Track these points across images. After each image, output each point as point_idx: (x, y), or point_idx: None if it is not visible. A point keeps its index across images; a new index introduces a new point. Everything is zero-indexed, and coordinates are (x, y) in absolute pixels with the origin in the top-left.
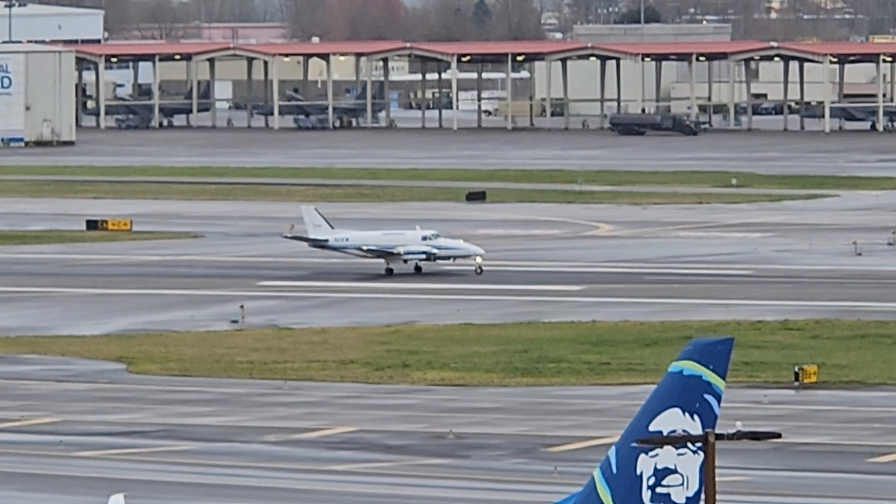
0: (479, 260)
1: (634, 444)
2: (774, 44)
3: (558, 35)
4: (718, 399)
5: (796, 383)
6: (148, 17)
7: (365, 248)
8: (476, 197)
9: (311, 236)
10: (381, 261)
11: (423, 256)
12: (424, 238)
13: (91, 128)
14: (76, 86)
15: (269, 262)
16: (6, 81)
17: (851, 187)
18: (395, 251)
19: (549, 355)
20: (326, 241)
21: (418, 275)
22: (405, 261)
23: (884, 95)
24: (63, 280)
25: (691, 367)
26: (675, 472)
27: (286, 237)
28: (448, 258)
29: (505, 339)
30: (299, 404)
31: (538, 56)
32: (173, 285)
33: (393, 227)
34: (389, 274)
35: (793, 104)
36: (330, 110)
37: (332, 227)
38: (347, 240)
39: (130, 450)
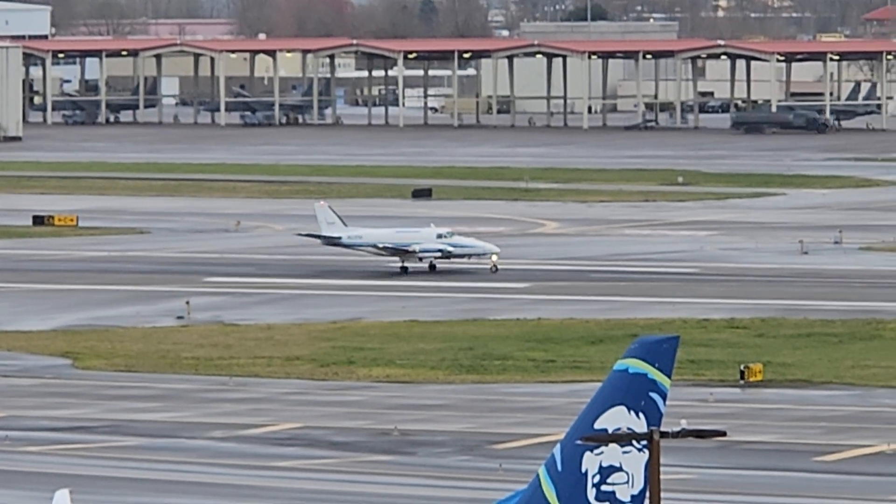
0: (494, 258)
1: (579, 442)
2: (721, 42)
3: (505, 32)
4: (664, 397)
5: (742, 381)
6: (95, 13)
7: (381, 245)
8: (422, 194)
9: (324, 234)
10: (396, 259)
11: (439, 254)
12: (439, 236)
13: (38, 123)
14: (23, 81)
15: (215, 259)
16: None
17: (798, 186)
18: (410, 249)
19: (494, 352)
20: (339, 238)
21: (431, 273)
22: (420, 259)
23: (831, 94)
24: (9, 275)
25: (637, 365)
26: (620, 469)
27: (300, 235)
28: (463, 256)
29: (450, 337)
30: (245, 400)
31: (485, 53)
32: (119, 281)
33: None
34: (404, 272)
35: (740, 102)
36: (276, 107)
37: (345, 225)
38: (361, 237)
39: (76, 445)
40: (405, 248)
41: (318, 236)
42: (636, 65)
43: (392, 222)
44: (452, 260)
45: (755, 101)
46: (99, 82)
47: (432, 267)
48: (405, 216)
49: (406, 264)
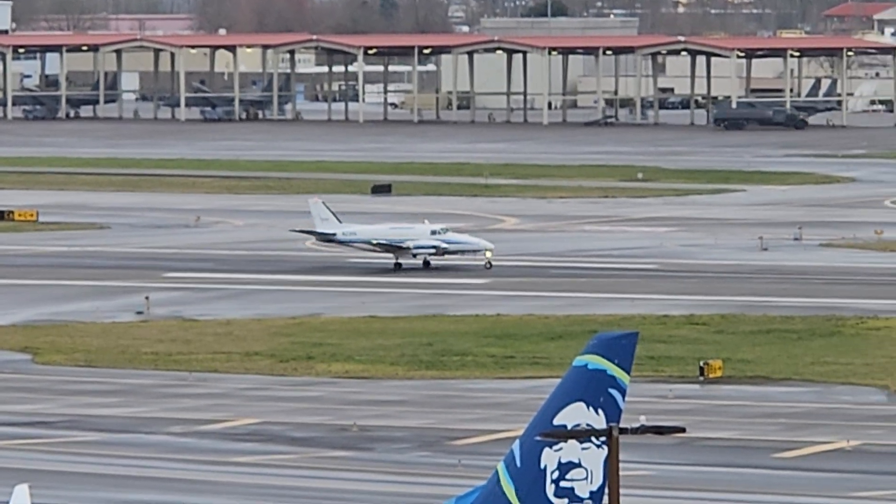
0: (488, 254)
1: (538, 438)
2: (682, 38)
3: (465, 28)
4: (623, 393)
5: (701, 378)
6: (56, 9)
7: (375, 242)
8: (381, 190)
9: (319, 230)
10: (390, 255)
11: (433, 251)
12: (434, 232)
13: None
14: None
15: (174, 254)
16: None
17: (757, 182)
18: (404, 245)
19: (453, 348)
20: (334, 235)
21: (425, 269)
22: (414, 255)
23: (791, 90)
24: None
25: (596, 362)
26: (578, 466)
27: (294, 231)
28: (457, 252)
29: (409, 332)
30: (204, 396)
31: (445, 49)
32: (79, 276)
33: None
34: (398, 268)
35: (700, 98)
36: (236, 102)
37: (339, 221)
38: (355, 234)
39: (35, 440)
40: (399, 244)
41: (313, 233)
42: (596, 61)
43: (352, 218)
44: (446, 256)
45: (715, 98)
46: (59, 77)
47: (426, 263)
48: (365, 212)
49: (400, 261)
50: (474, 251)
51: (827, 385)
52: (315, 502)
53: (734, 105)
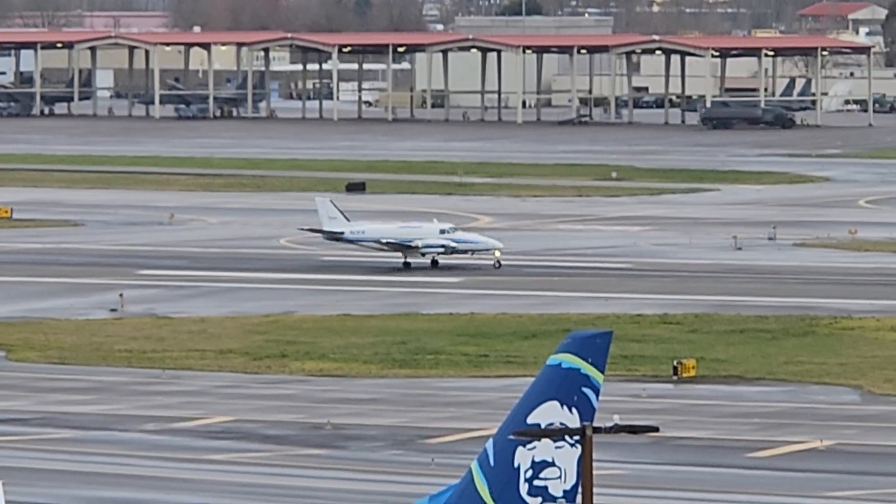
0: (497, 254)
1: (512, 437)
2: (656, 37)
3: (440, 26)
4: (597, 392)
5: (675, 377)
6: (30, 5)
7: (384, 241)
8: (356, 188)
9: (326, 228)
10: (399, 254)
11: (442, 250)
12: (442, 231)
13: None
14: None
15: (148, 251)
16: None
17: (732, 181)
18: (413, 244)
19: (427, 347)
20: (342, 233)
21: (434, 268)
22: (423, 254)
23: (765, 89)
24: None
25: (570, 360)
26: (552, 464)
27: (302, 229)
28: (466, 252)
29: (383, 331)
30: (178, 393)
31: (419, 47)
32: (53, 273)
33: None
34: (406, 267)
35: (674, 98)
36: (210, 100)
37: (347, 220)
38: (363, 232)
39: (9, 437)
40: (408, 243)
41: (320, 231)
42: (571, 59)
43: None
44: (455, 255)
45: (689, 97)
46: (34, 74)
47: (434, 262)
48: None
49: (409, 260)
50: (484, 250)
51: (801, 385)
52: (288, 500)
53: (709, 104)
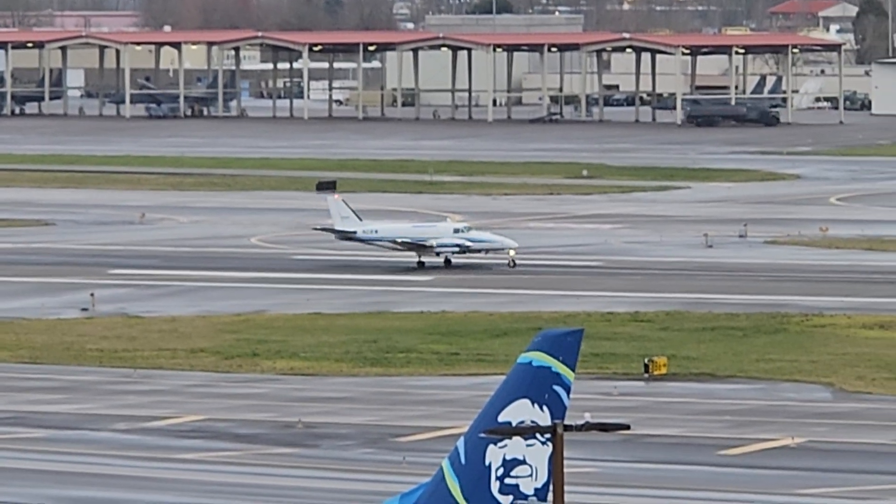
0: (512, 253)
1: (483, 435)
2: (627, 35)
3: (410, 25)
4: (568, 390)
5: (646, 375)
6: (0, 5)
7: (400, 240)
8: (326, 186)
9: (339, 228)
10: (413, 253)
11: (457, 249)
12: (456, 230)
13: None
14: None
15: (119, 251)
16: None
17: (702, 179)
18: (428, 244)
19: (398, 345)
20: (354, 233)
21: (447, 267)
22: (437, 253)
23: (736, 87)
24: None
25: (540, 358)
26: (523, 462)
27: (315, 229)
28: (480, 251)
29: (354, 329)
30: (149, 392)
31: (390, 46)
32: (24, 273)
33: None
34: (421, 267)
35: (645, 95)
36: (181, 99)
37: (360, 219)
38: (376, 232)
39: None
40: (423, 242)
41: (332, 230)
42: (541, 58)
43: (296, 215)
44: (468, 255)
45: (660, 95)
46: (4, 74)
47: (447, 262)
48: (309, 208)
49: (423, 259)
50: (498, 250)
51: (772, 382)
52: (260, 499)
53: (679, 102)
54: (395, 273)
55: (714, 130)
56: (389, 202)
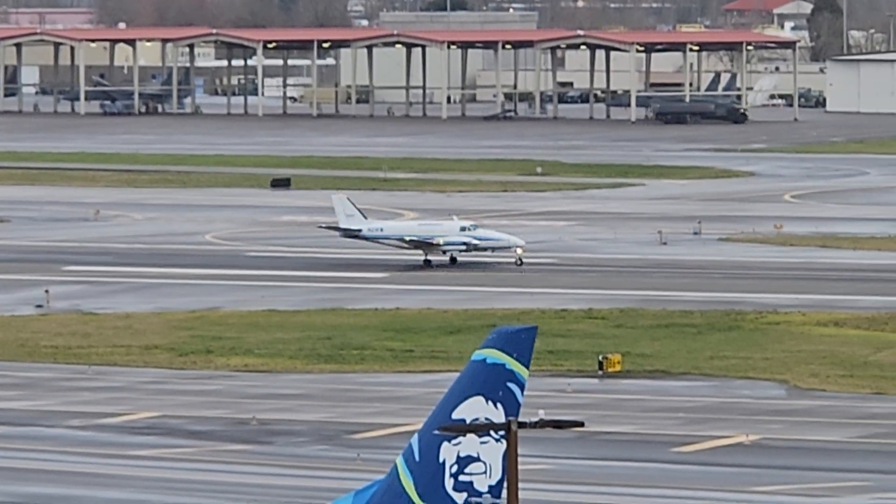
0: (519, 251)
1: (437, 432)
2: (581, 32)
3: (364, 22)
4: (522, 387)
5: (600, 372)
6: None
7: (408, 238)
8: (281, 183)
9: (343, 226)
10: (419, 252)
11: (464, 247)
12: (463, 228)
13: None
14: None
15: (74, 248)
16: None
17: (657, 176)
18: (434, 242)
19: (352, 342)
20: (359, 231)
21: (452, 265)
22: (444, 251)
23: (690, 84)
24: None
25: (495, 356)
26: (477, 459)
27: (321, 227)
28: (487, 249)
29: (308, 326)
30: (103, 389)
31: (344, 43)
32: None
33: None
34: (427, 265)
35: (599, 93)
36: (136, 96)
37: (364, 217)
38: (381, 230)
39: None
40: (430, 240)
41: (337, 228)
42: (495, 55)
43: (250, 212)
44: (475, 253)
45: (614, 92)
46: None
47: (453, 260)
48: (263, 205)
49: (429, 257)
50: (505, 248)
51: (726, 379)
52: (214, 496)
53: (633, 99)
54: (350, 270)
55: (668, 127)
56: None
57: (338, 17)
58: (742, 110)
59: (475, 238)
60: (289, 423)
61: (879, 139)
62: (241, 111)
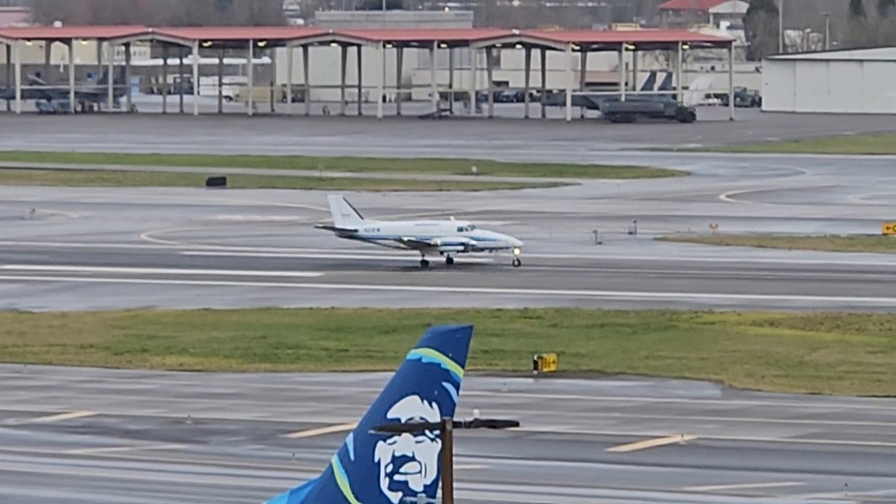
0: (516, 251)
1: (372, 432)
2: (516, 31)
3: (300, 21)
4: (457, 387)
5: (535, 372)
6: None
7: (406, 239)
8: (216, 182)
9: (339, 226)
10: (416, 252)
11: (462, 248)
12: (460, 229)
13: None
14: None
15: (9, 246)
16: None
17: (592, 176)
18: (432, 243)
19: (287, 341)
20: (356, 231)
21: (448, 266)
22: (442, 252)
23: (626, 84)
24: None
25: (430, 355)
26: (412, 459)
27: (317, 227)
28: (485, 249)
29: (244, 325)
30: (38, 388)
31: (279, 42)
32: None
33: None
34: (424, 266)
35: (534, 92)
36: (72, 95)
37: (361, 217)
38: (378, 230)
39: None
40: (427, 241)
41: (333, 228)
42: (431, 54)
43: (186, 211)
44: (472, 253)
45: (550, 91)
46: None
47: (449, 260)
48: (199, 204)
49: (427, 258)
50: (502, 248)
51: (661, 379)
52: (150, 495)
53: (568, 97)
54: (285, 269)
55: (604, 127)
56: (279, 198)
57: (273, 16)
58: (691, 110)
59: (473, 238)
60: (224, 423)
61: (815, 139)
62: (176, 110)
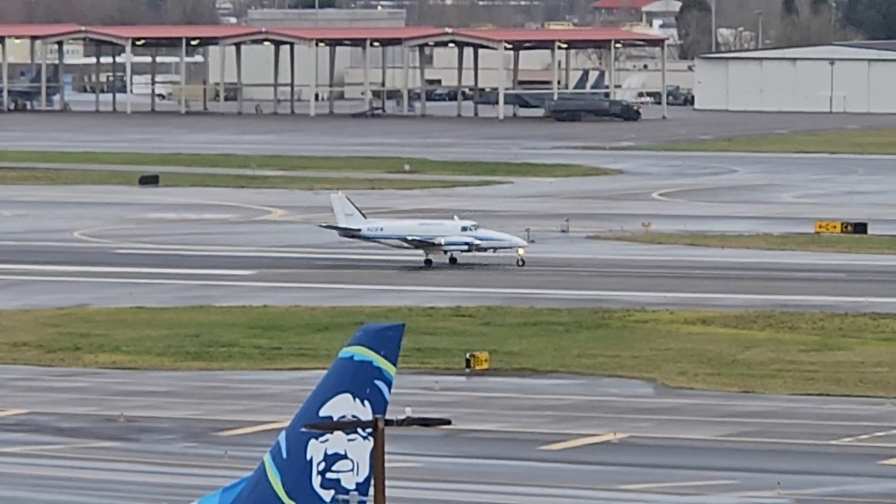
0: (520, 251)
1: (304, 429)
2: (449, 30)
3: (233, 20)
4: (389, 385)
5: (468, 370)
6: None
7: (410, 238)
8: (149, 181)
9: (342, 225)
10: (420, 252)
11: (465, 248)
12: (464, 228)
13: None
14: None
15: None
16: None
17: (525, 174)
18: (436, 242)
19: (220, 339)
20: (359, 230)
21: (452, 265)
22: (445, 251)
23: (558, 82)
24: None
25: (362, 353)
26: (345, 457)
27: (321, 226)
28: (488, 249)
29: (176, 323)
30: None
31: (212, 40)
32: None
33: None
34: (428, 265)
35: (467, 90)
36: (4, 93)
37: (364, 217)
38: (381, 229)
39: None
40: (431, 240)
41: (336, 228)
42: (364, 52)
43: (119, 209)
44: (475, 253)
45: (482, 89)
46: None
47: (453, 260)
48: (132, 203)
49: (430, 257)
50: (506, 248)
51: (594, 377)
52: (82, 493)
53: (500, 97)
54: (218, 267)
55: (536, 125)
56: (212, 197)
57: (206, 14)
58: (636, 108)
59: (477, 238)
60: (156, 420)
61: (748, 137)
62: (109, 108)
